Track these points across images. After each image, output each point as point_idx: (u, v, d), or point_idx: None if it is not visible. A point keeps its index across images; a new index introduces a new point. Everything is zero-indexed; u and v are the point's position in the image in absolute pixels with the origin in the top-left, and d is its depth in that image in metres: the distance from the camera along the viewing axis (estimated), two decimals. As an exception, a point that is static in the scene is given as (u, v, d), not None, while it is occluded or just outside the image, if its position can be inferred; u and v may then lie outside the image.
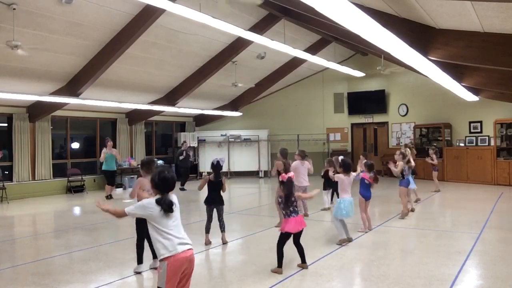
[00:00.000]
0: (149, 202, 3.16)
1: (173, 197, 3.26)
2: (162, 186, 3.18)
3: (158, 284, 3.15)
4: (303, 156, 8.52)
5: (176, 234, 3.15)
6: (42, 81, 11.27)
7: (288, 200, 5.05)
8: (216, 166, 6.38)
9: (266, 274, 5.00)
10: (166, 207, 3.12)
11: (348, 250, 6.05)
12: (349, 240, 6.36)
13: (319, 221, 8.14)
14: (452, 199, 10.97)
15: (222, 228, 6.56)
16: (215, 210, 6.51)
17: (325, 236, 6.71)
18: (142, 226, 4.89)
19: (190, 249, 3.21)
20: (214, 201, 6.47)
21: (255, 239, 6.88)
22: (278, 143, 17.72)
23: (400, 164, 8.25)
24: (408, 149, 9.48)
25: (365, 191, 7.18)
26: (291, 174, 5.29)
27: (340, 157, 6.72)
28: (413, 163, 8.99)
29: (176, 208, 3.23)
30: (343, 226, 6.37)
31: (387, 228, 7.51)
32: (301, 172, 8.34)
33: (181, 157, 14.20)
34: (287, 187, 5.10)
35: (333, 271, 5.08)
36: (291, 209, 5.05)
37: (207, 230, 6.53)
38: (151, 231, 3.19)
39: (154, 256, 5.12)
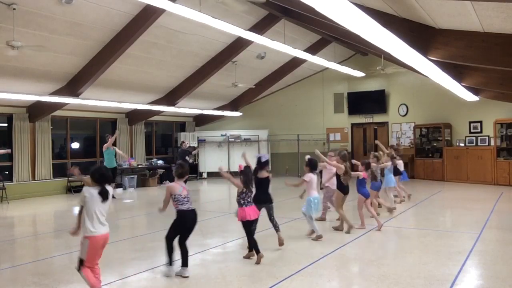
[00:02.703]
0: (85, 190, 4.10)
1: (109, 188, 4.22)
2: (101, 180, 4.14)
3: (80, 255, 4.06)
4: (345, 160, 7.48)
5: (101, 218, 4.08)
6: (42, 81, 11.27)
7: (248, 190, 5.48)
8: (263, 162, 6.15)
9: (266, 274, 5.00)
10: (105, 196, 4.09)
11: (348, 250, 6.06)
12: (320, 236, 6.58)
13: (319, 221, 8.12)
14: (452, 199, 10.97)
15: (277, 227, 6.20)
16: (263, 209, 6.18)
17: (325, 236, 6.71)
18: (175, 230, 5.03)
19: (107, 232, 4.15)
20: (262, 200, 6.11)
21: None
22: (278, 143, 17.74)
23: (373, 165, 8.05)
24: (392, 150, 9.59)
25: (364, 188, 7.29)
26: (249, 163, 5.73)
27: (307, 157, 6.84)
28: (388, 164, 8.83)
29: (109, 201, 4.17)
30: (312, 221, 6.64)
31: (387, 228, 7.50)
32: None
33: (188, 158, 14.08)
34: (247, 176, 5.50)
35: (333, 271, 5.08)
36: (248, 199, 5.50)
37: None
38: (84, 214, 4.05)
39: (183, 264, 5.04)
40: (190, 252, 6.00)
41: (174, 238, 5.06)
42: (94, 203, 4.04)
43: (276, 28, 12.16)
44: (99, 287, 4.14)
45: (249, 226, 5.52)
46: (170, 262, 5.04)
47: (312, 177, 6.57)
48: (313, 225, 6.62)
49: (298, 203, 8.49)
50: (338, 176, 7.13)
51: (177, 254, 5.08)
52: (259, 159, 6.16)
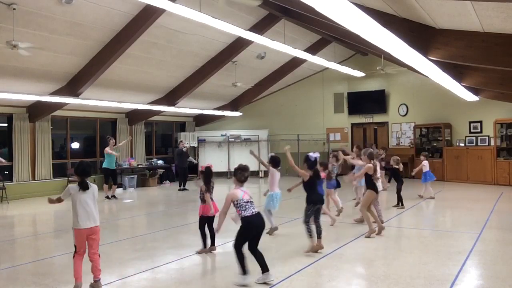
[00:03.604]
0: (70, 187, 4.60)
1: (94, 186, 4.67)
2: (81, 173, 4.61)
3: (74, 242, 4.59)
4: (372, 158, 7.21)
5: (85, 213, 4.52)
6: (42, 81, 11.27)
7: (208, 189, 6.00)
8: (312, 162, 5.98)
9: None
10: (82, 186, 4.55)
11: (348, 250, 6.06)
12: (276, 228, 7.06)
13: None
14: (452, 199, 10.96)
15: (320, 233, 5.91)
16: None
17: (325, 236, 6.70)
18: (242, 237, 4.72)
19: (94, 226, 4.58)
20: (320, 199, 6.07)
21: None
22: (278, 143, 17.74)
23: (330, 165, 8.05)
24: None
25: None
26: (209, 164, 6.22)
27: (270, 154, 7.23)
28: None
29: (92, 196, 4.60)
30: (271, 215, 6.99)
31: (387, 228, 7.50)
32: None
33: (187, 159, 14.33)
34: (207, 176, 6.01)
35: (333, 271, 5.07)
36: (211, 197, 6.06)
37: (313, 233, 5.85)
38: (72, 207, 4.55)
39: (264, 270, 4.67)
40: (190, 252, 6.03)
41: (243, 246, 4.69)
42: (77, 196, 4.53)
43: (276, 28, 12.16)
44: (79, 281, 4.49)
45: (207, 221, 6.05)
46: (245, 271, 4.62)
47: (274, 173, 6.90)
48: (270, 220, 6.94)
49: (300, 203, 8.49)
50: (369, 175, 6.93)
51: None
52: (308, 159, 6.02)
